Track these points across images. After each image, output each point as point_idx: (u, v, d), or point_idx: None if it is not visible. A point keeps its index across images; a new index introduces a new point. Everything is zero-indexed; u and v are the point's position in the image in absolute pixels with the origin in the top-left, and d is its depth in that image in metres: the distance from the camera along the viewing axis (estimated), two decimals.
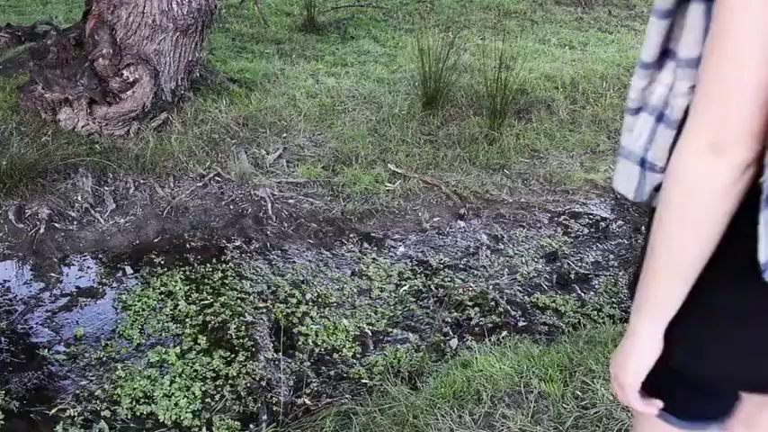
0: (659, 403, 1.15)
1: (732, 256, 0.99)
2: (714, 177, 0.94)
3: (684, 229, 0.99)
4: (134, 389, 2.73)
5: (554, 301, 3.34)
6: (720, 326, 1.06)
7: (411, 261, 3.64)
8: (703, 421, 1.20)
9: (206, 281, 3.40)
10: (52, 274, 3.42)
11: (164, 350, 2.93)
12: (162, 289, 3.31)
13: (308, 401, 2.75)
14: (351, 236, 3.81)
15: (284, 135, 4.57)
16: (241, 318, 3.14)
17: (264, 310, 3.21)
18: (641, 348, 1.10)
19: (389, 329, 3.16)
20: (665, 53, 1.04)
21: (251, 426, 2.63)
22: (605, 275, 3.58)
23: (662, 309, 1.05)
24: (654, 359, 1.10)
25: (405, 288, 3.43)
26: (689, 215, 0.98)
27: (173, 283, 3.35)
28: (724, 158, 0.92)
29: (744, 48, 0.88)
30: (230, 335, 3.05)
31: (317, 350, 3.01)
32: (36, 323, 3.09)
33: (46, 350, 2.92)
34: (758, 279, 0.94)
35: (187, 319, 3.13)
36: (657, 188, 1.06)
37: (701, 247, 0.99)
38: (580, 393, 2.47)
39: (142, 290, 3.30)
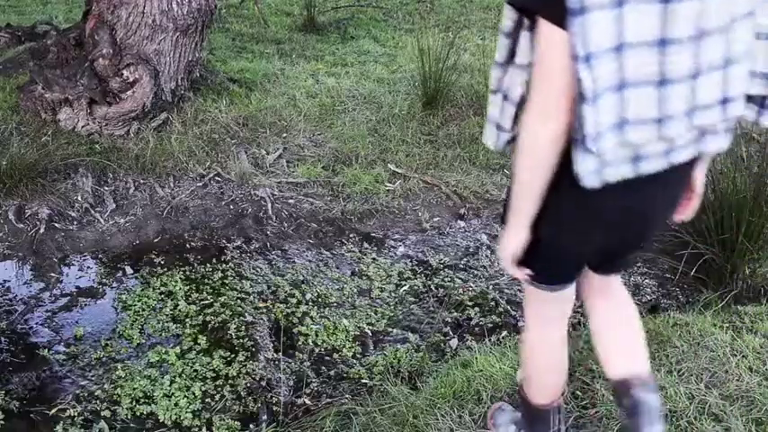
0: (528, 271, 1.81)
1: (566, 176, 1.59)
2: (546, 134, 1.55)
3: (532, 166, 1.62)
4: (134, 389, 2.73)
5: None
6: (563, 215, 1.72)
7: (411, 261, 3.64)
8: (559, 284, 1.90)
9: (206, 281, 3.40)
10: (52, 274, 3.42)
11: (164, 350, 2.93)
12: (162, 289, 3.31)
13: (308, 401, 2.76)
14: (351, 236, 3.81)
15: (284, 135, 4.57)
16: (241, 318, 3.15)
17: (264, 310, 3.22)
18: (514, 236, 1.74)
19: (389, 329, 3.16)
20: (512, 56, 1.63)
21: (251, 426, 2.63)
22: None
23: (525, 213, 1.70)
24: (521, 243, 1.73)
25: (405, 288, 3.43)
26: (533, 157, 1.60)
27: (173, 283, 3.35)
28: (550, 123, 1.53)
29: (553, 65, 1.48)
30: (230, 335, 3.05)
31: (317, 350, 3.01)
32: (36, 323, 3.09)
33: (46, 350, 2.92)
34: (578, 186, 1.56)
35: (187, 319, 3.13)
36: (508, 142, 1.71)
37: (542, 175, 1.62)
38: (580, 393, 2.47)
39: (142, 290, 3.30)
